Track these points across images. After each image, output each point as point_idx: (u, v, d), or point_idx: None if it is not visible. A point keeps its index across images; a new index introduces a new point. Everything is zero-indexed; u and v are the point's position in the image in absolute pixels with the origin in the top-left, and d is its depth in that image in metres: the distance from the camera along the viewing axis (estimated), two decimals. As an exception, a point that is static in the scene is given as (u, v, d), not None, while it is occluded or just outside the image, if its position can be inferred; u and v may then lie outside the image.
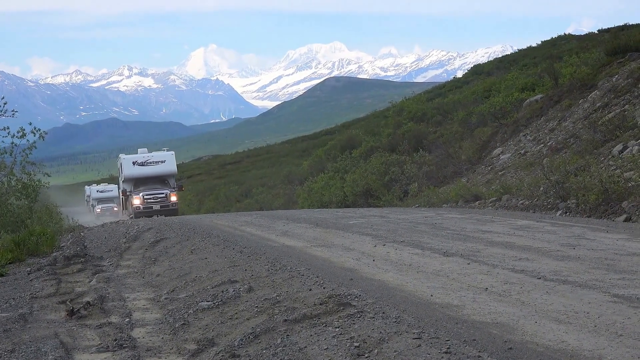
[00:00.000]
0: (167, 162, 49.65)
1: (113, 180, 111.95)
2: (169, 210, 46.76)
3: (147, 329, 10.83)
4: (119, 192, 54.54)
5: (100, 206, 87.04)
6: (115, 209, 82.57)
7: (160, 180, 49.50)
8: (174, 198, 48.12)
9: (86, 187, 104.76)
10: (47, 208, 32.69)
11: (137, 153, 51.41)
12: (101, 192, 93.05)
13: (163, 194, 47.96)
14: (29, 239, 20.72)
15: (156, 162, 49.45)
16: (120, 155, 51.38)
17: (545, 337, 7.78)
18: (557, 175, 21.42)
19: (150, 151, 51.57)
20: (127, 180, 49.80)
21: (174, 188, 49.13)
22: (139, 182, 49.19)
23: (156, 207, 47.17)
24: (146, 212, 46.41)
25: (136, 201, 47.76)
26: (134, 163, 49.27)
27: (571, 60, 43.67)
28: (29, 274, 16.83)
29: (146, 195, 47.71)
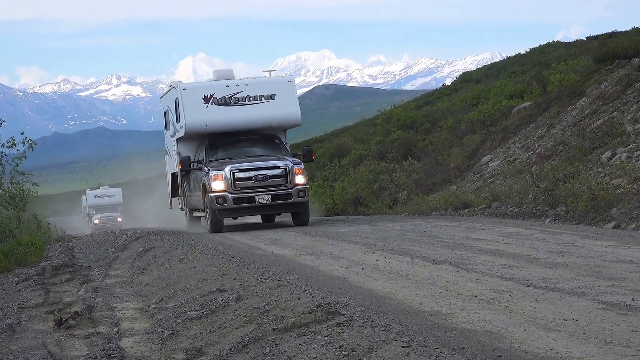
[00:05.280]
0: (278, 97, 24.96)
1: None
2: (291, 206, 23.35)
3: (136, 339, 10.81)
4: (169, 166, 28.72)
5: (98, 216, 68.98)
6: (119, 219, 66.94)
7: (263, 139, 25.17)
8: (300, 179, 22.93)
9: (83, 196, 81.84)
10: (35, 218, 32.64)
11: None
12: (100, 197, 73.56)
13: (278, 168, 22.89)
14: (17, 248, 20.71)
15: (256, 98, 24.76)
16: (172, 84, 26.70)
17: (534, 345, 7.76)
18: (546, 182, 21.44)
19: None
20: (189, 136, 25.27)
21: (294, 156, 24.25)
22: (219, 142, 24.73)
23: (263, 198, 22.54)
24: (241, 208, 23.06)
25: (217, 185, 22.58)
26: (207, 99, 24.59)
27: (559, 68, 43.75)
28: (16, 284, 16.80)
29: (239, 171, 22.73)
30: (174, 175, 27.40)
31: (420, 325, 8.73)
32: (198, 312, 11.15)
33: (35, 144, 31.97)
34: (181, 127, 25.02)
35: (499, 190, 25.43)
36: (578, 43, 63.66)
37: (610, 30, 55.47)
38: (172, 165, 27.43)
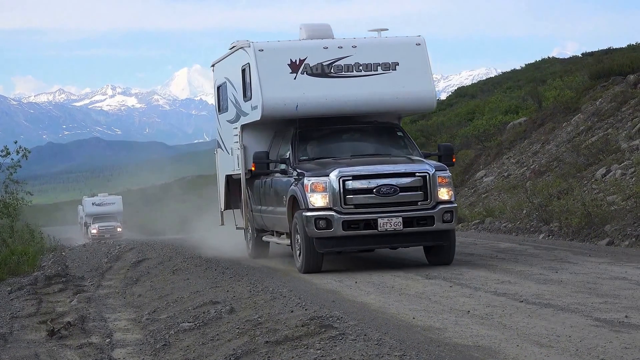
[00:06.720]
0: (402, 67, 16.77)
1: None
2: (431, 237, 14.87)
3: (128, 350, 10.77)
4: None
5: (96, 225, 64.00)
6: (118, 229, 63.42)
7: (380, 130, 17.10)
8: (445, 193, 14.81)
9: (79, 206, 76.08)
10: (28, 227, 32.59)
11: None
12: (98, 205, 68.55)
13: (413, 176, 14.71)
14: (10, 258, 20.63)
15: (369, 67, 16.56)
16: (237, 44, 17.57)
17: (527, 361, 7.76)
18: (540, 198, 21.45)
19: None
20: (265, 122, 17.06)
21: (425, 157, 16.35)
22: (313, 133, 16.65)
23: (390, 223, 14.47)
24: (355, 238, 14.68)
25: (316, 199, 14.52)
26: (295, 66, 16.40)
27: (555, 84, 43.76)
28: (9, 293, 16.73)
29: (353, 178, 14.57)
30: (230, 178, 19.11)
31: (413, 339, 8.72)
32: (191, 323, 11.13)
33: (29, 152, 31.92)
34: (254, 108, 16.70)
35: (493, 205, 25.46)
36: (573, 59, 63.68)
37: (605, 47, 55.55)
38: (229, 164, 18.89)
